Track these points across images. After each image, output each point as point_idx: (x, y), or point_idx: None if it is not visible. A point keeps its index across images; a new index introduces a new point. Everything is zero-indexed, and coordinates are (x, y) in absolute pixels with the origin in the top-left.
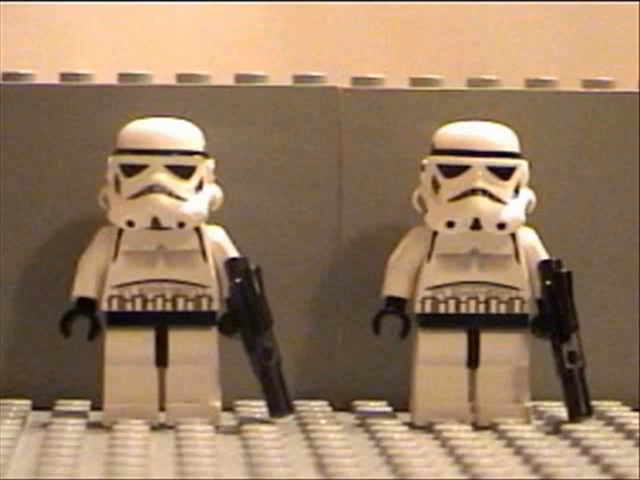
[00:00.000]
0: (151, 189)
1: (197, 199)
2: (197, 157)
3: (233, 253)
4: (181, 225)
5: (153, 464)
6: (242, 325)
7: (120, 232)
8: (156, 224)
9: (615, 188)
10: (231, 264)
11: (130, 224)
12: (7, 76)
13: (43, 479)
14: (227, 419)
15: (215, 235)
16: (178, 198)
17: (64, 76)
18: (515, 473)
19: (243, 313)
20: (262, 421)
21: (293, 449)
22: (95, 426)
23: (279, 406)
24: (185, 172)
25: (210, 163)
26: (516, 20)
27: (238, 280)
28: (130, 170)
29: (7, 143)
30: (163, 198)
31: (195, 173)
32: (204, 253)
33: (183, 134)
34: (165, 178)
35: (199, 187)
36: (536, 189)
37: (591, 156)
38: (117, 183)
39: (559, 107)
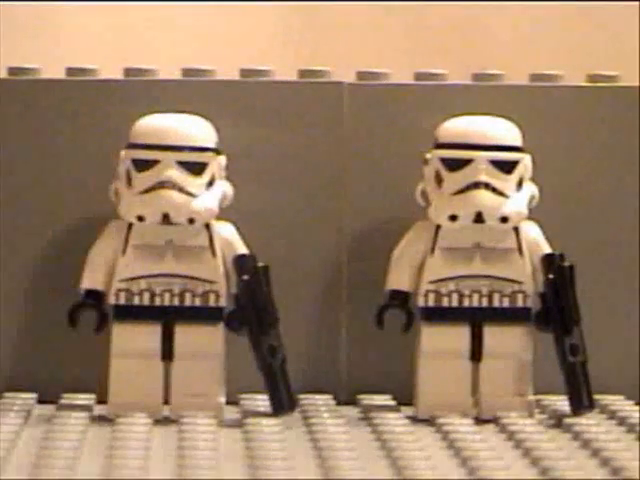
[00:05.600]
0: (162, 184)
1: (208, 195)
2: (209, 153)
3: (242, 250)
4: (191, 221)
5: (155, 457)
6: (248, 322)
7: (130, 226)
8: (167, 220)
9: (619, 182)
10: (239, 261)
11: (140, 219)
12: (13, 71)
13: (44, 472)
14: (231, 412)
15: (225, 231)
16: (189, 194)
17: (70, 71)
18: (515, 466)
19: (250, 310)
20: (265, 414)
21: (296, 442)
22: (100, 419)
23: (282, 404)
24: (197, 168)
25: (222, 159)
26: (521, 15)
27: (246, 277)
28: (142, 165)
29: (14, 137)
30: (174, 194)
31: (207, 169)
32: (213, 249)
33: (195, 130)
34: (176, 174)
35: (210, 183)
36: (540, 183)
37: (595, 150)
38: (129, 178)
39: (564, 101)
